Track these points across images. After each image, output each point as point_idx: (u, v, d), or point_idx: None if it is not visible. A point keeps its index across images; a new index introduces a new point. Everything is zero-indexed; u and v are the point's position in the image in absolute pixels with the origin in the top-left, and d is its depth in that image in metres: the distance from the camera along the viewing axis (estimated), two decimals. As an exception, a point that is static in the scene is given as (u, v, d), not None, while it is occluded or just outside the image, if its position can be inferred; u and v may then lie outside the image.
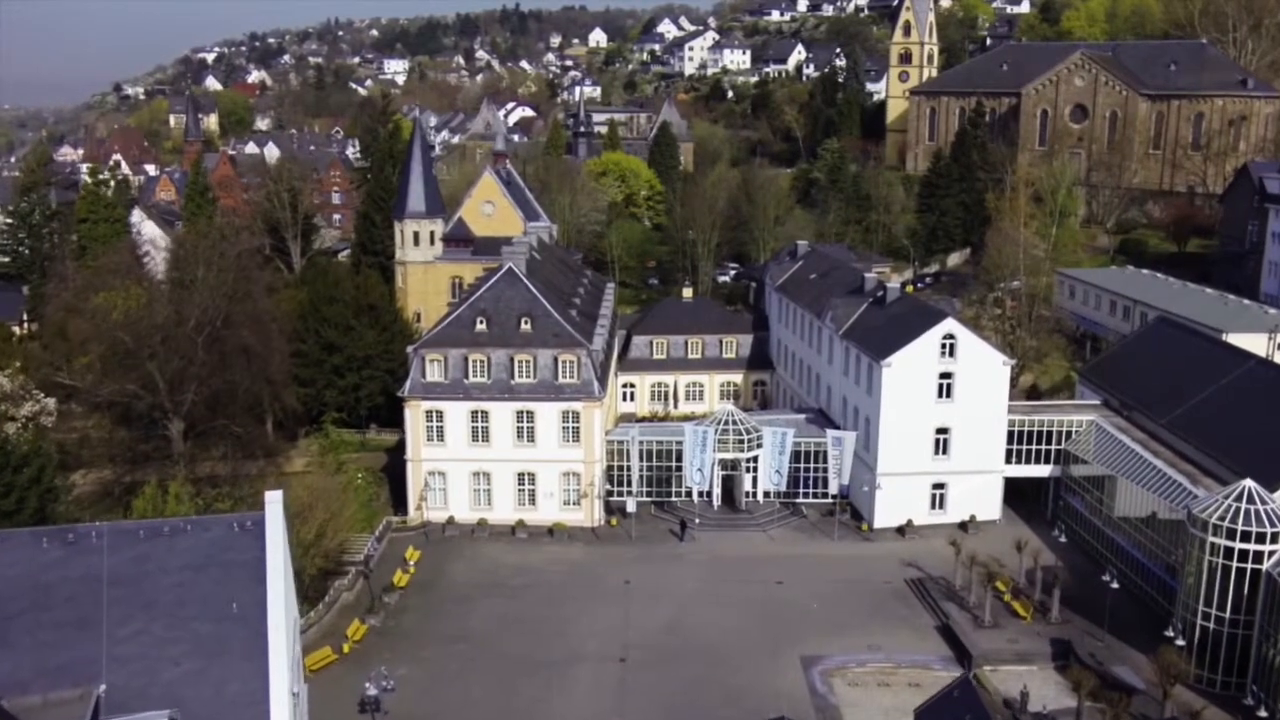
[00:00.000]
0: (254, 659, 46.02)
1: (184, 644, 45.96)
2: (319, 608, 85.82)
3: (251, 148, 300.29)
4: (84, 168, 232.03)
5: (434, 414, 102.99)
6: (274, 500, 50.37)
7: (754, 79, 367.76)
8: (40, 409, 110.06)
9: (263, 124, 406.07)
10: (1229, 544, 73.77)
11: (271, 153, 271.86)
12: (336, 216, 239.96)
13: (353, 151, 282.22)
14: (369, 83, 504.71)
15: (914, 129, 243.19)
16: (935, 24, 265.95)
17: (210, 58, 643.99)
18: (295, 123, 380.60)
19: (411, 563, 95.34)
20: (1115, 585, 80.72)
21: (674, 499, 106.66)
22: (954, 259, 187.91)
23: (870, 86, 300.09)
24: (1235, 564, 73.68)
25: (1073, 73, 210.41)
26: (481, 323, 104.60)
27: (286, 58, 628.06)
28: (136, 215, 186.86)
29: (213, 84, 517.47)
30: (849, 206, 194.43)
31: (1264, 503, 73.74)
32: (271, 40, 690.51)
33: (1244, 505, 73.84)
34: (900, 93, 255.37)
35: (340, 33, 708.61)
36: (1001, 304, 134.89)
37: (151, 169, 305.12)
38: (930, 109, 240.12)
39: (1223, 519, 73.99)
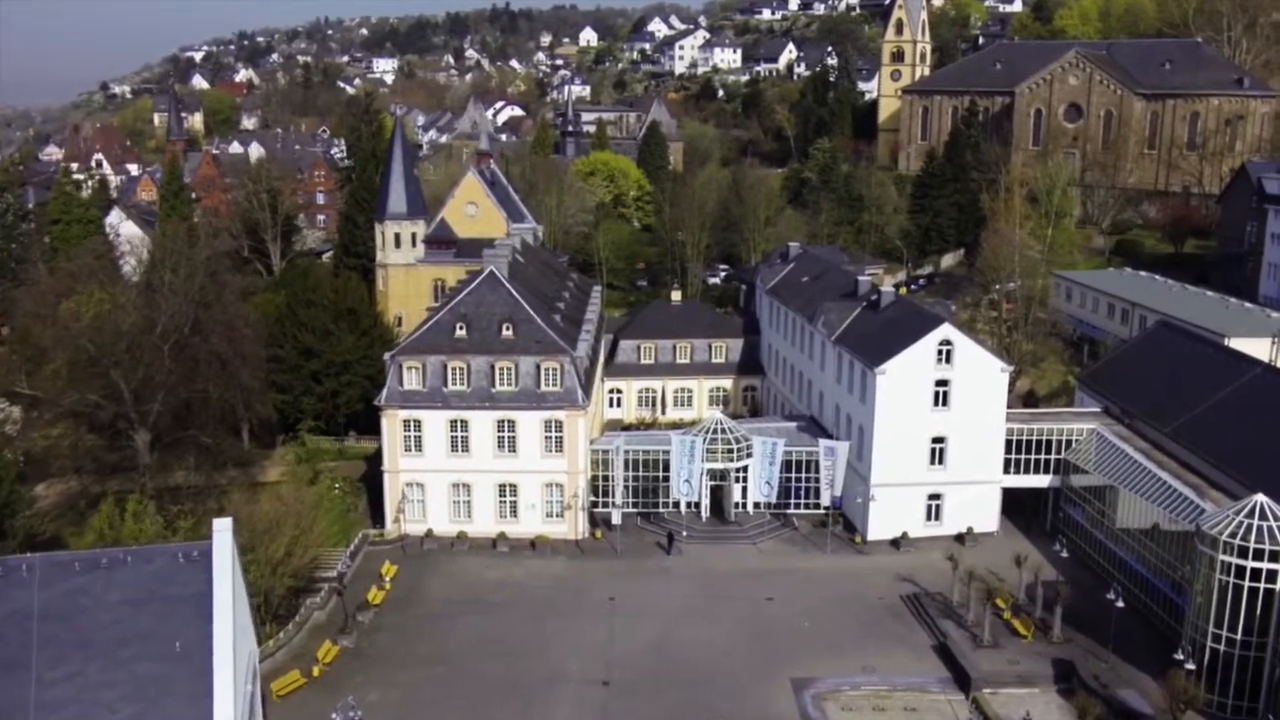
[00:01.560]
0: (198, 702, 42.54)
1: (121, 686, 42.47)
2: (288, 628, 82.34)
3: (236, 147, 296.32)
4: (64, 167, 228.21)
5: (412, 423, 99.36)
6: (222, 528, 46.81)
7: (745, 78, 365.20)
8: (4, 417, 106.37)
9: (250, 123, 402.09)
10: (1240, 562, 70.32)
11: (256, 152, 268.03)
12: (321, 217, 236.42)
13: (338, 151, 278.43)
14: (357, 81, 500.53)
15: (906, 128, 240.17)
16: (927, 22, 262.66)
17: (198, 56, 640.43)
18: (283, 122, 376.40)
19: (388, 578, 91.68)
20: (1120, 604, 77.21)
21: (661, 510, 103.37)
22: (948, 260, 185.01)
23: (862, 85, 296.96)
24: (1247, 583, 70.21)
25: (1067, 71, 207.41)
26: (461, 328, 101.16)
27: (275, 56, 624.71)
28: (115, 216, 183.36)
29: (200, 83, 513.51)
30: (841, 207, 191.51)
31: (1277, 519, 70.24)
32: (260, 39, 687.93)
33: (1256, 522, 70.40)
34: (892, 91, 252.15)
35: (329, 31, 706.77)
36: (997, 306, 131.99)
37: (134, 169, 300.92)
38: (923, 108, 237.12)
39: (1234, 536, 70.53)
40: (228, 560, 46.06)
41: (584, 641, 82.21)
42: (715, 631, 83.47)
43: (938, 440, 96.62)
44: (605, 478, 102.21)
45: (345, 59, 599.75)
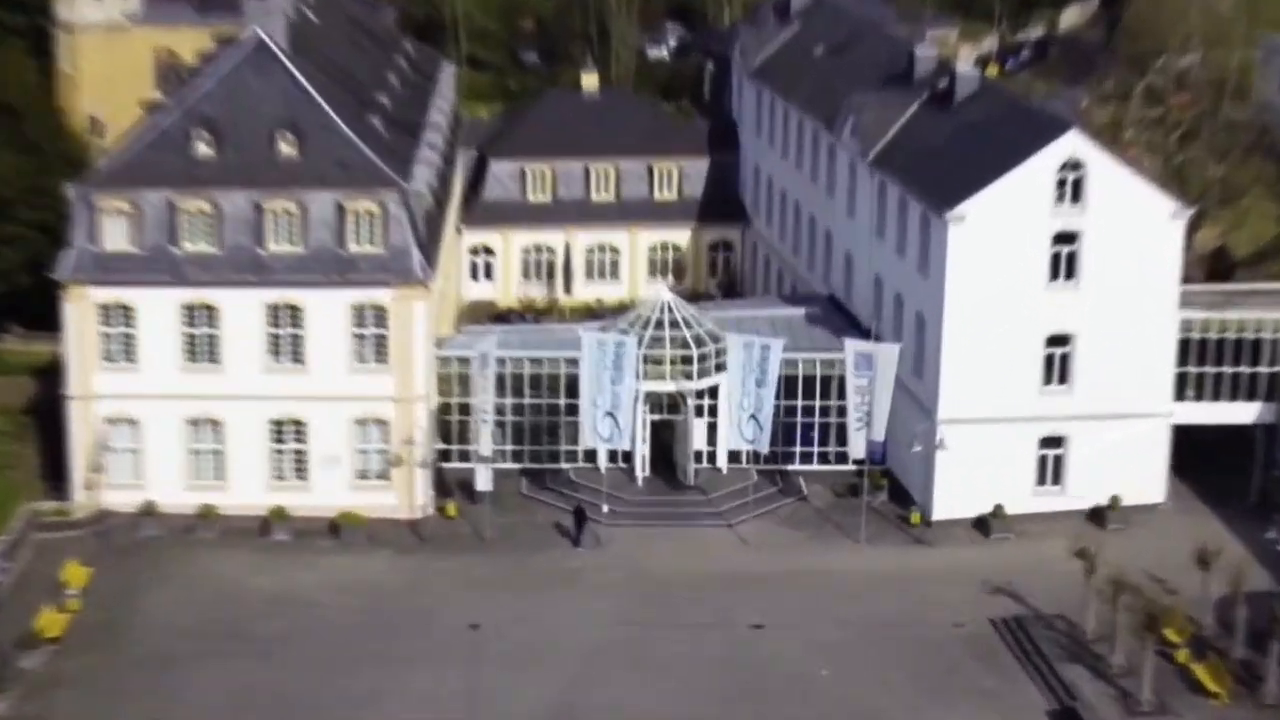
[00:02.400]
0: None
1: None
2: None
3: None
4: None
5: (118, 311, 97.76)
6: None
7: None
8: None
9: None
10: None
11: None
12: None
13: None
14: None
15: None
16: None
17: None
18: None
19: (74, 591, 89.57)
20: (1385, 637, 75.77)
21: (564, 466, 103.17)
22: (1071, 16, 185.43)
23: None
24: None
25: None
26: (206, 142, 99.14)
27: None
28: None
29: None
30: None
31: None
32: None
33: None
34: None
35: None
36: (1161, 98, 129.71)
37: None
38: None
39: None
40: None
41: (424, 707, 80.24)
42: (659, 687, 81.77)
43: (1057, 341, 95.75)
44: (464, 409, 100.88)
45: None
